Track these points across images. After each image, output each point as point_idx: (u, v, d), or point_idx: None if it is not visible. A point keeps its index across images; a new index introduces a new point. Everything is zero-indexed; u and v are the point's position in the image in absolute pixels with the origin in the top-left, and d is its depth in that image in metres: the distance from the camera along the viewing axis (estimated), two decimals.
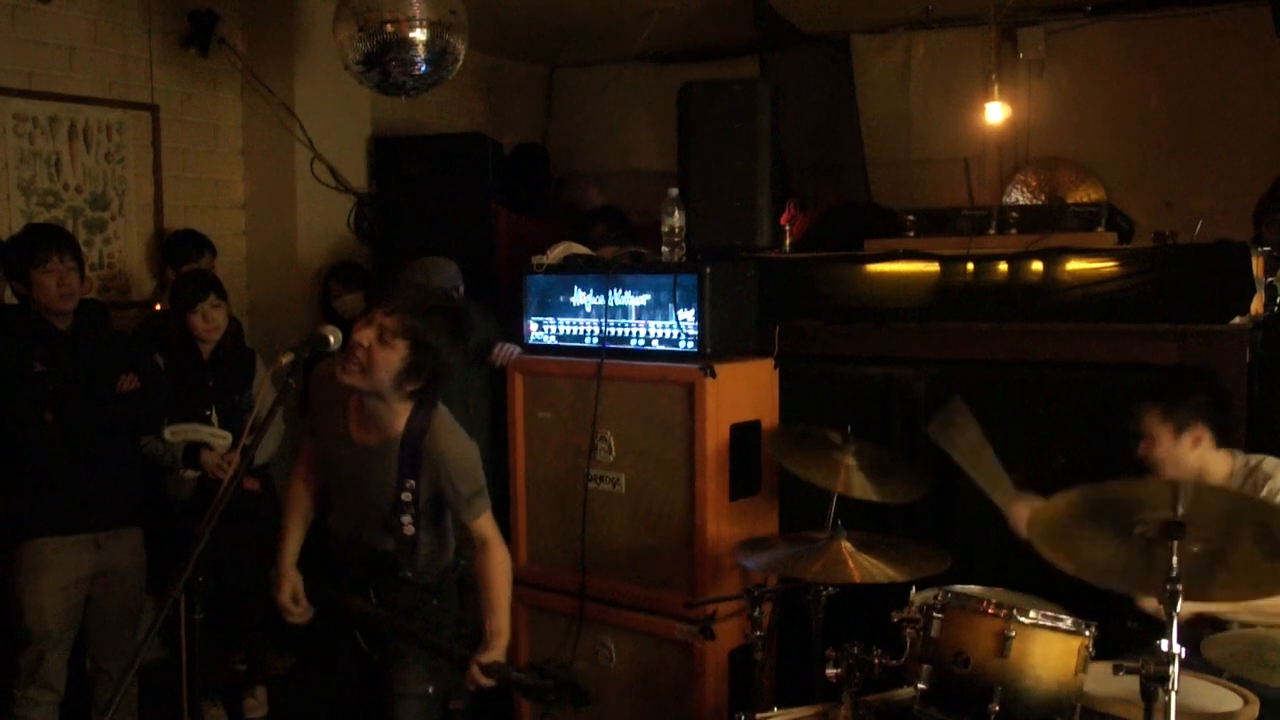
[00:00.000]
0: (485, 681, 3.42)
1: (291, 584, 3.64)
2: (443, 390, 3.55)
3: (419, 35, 5.04)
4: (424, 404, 3.53)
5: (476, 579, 3.62)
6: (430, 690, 3.67)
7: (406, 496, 3.51)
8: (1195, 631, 3.45)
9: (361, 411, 3.51)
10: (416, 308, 3.39)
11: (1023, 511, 3.84)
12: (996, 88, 6.13)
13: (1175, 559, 2.88)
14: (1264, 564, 2.87)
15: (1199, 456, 3.71)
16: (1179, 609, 2.88)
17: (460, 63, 5.30)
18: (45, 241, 4.44)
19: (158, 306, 5.91)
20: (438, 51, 5.12)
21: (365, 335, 3.34)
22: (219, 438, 4.96)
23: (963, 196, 6.58)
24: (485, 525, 3.61)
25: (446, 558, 3.73)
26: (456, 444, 3.55)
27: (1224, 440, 3.76)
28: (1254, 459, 3.77)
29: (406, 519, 3.52)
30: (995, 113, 6.20)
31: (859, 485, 4.22)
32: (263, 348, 5.56)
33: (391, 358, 3.34)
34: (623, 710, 4.88)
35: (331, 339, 3.25)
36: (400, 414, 3.49)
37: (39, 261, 4.36)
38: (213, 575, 3.36)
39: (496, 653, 3.47)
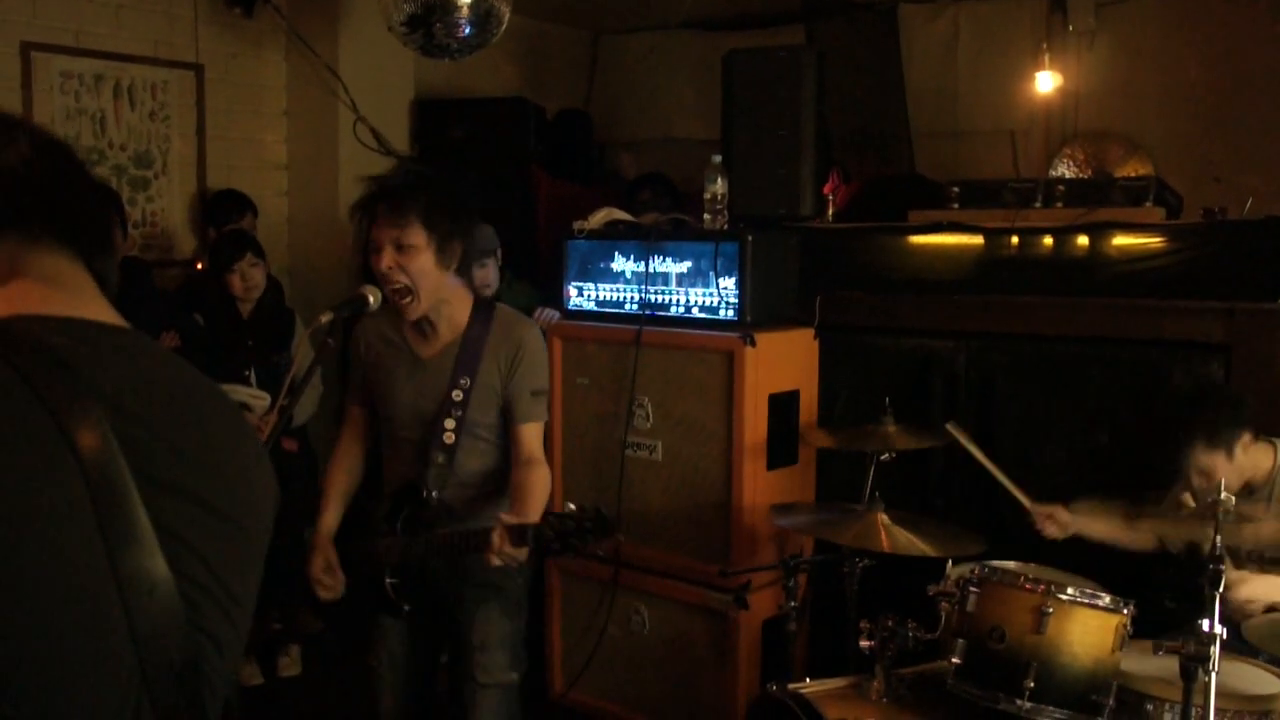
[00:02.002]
0: (510, 551, 3.03)
1: (325, 556, 3.42)
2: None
3: None
4: (482, 300, 3.48)
5: (511, 492, 3.36)
6: (515, 677, 3.50)
7: (457, 395, 3.36)
8: (1237, 612, 3.43)
9: (427, 327, 3.40)
10: (397, 200, 3.27)
11: (1059, 515, 3.84)
12: (1047, 57, 6.05)
13: (1218, 538, 2.86)
14: None
15: (1249, 458, 3.67)
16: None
17: (504, 26, 5.27)
18: None
19: (199, 266, 5.94)
20: (482, 14, 5.09)
21: (385, 260, 3.22)
22: (257, 398, 4.96)
23: (1008, 169, 6.50)
24: (536, 438, 3.42)
25: (484, 504, 3.44)
26: (533, 332, 3.46)
27: (1258, 430, 3.70)
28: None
29: (450, 423, 3.36)
30: (1046, 82, 6.13)
31: (900, 440, 4.22)
32: (302, 309, 5.57)
33: (421, 259, 3.24)
34: (655, 677, 4.89)
35: (371, 299, 3.24)
36: (462, 309, 3.41)
37: None
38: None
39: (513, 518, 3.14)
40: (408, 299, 3.27)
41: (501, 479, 3.47)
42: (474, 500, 3.44)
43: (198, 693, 1.31)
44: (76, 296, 1.40)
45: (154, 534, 1.25)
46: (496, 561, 3.07)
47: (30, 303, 1.35)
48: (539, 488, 3.32)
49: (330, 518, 3.51)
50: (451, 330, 3.41)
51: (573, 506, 3.03)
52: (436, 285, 3.31)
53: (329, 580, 3.40)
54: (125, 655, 1.22)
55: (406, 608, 3.40)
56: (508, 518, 3.06)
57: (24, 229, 1.38)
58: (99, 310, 1.41)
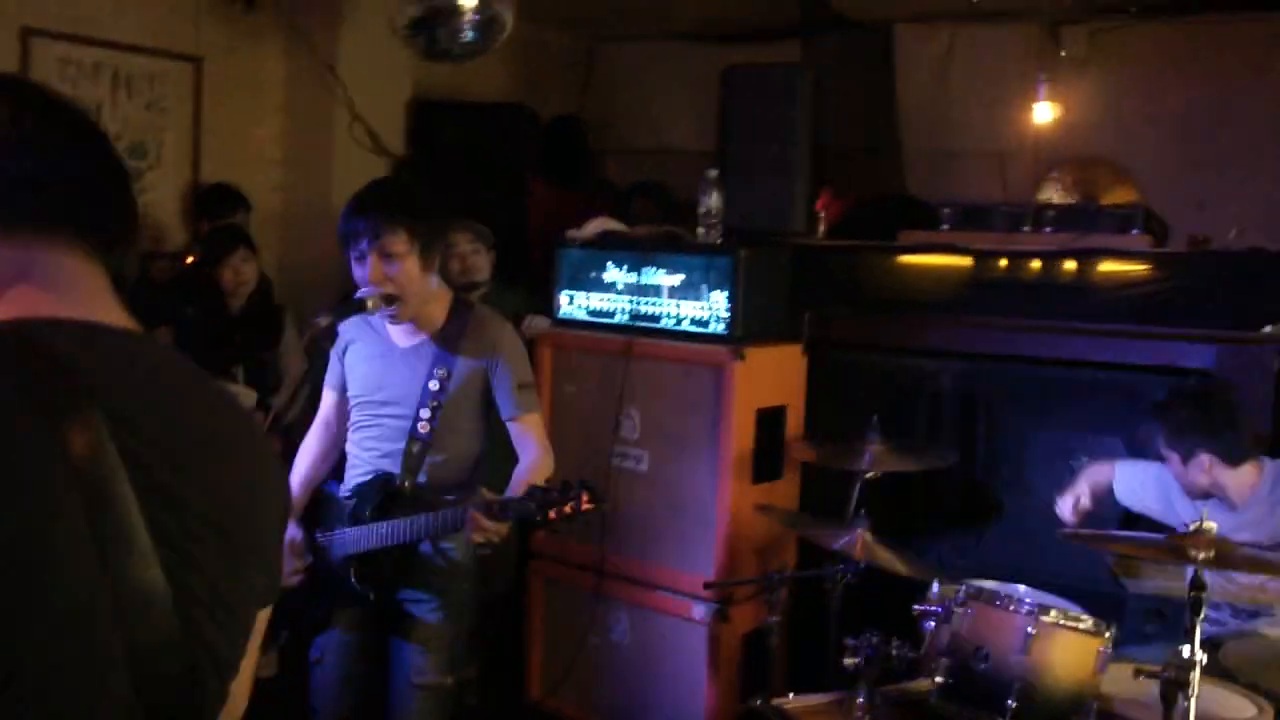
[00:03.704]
0: (490, 526, 3.06)
1: (290, 537, 3.39)
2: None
3: (468, 3, 5.04)
4: (460, 298, 3.52)
5: (512, 479, 3.35)
6: (450, 681, 3.52)
7: (434, 385, 3.40)
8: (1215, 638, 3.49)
9: (405, 320, 3.42)
10: (380, 212, 3.30)
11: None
12: (1046, 88, 6.12)
13: (1198, 568, 2.90)
14: None
15: (1211, 481, 3.71)
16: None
17: (507, 32, 5.30)
18: None
19: (190, 259, 5.93)
20: (485, 20, 5.13)
21: (372, 272, 3.26)
22: (244, 395, 4.97)
23: (996, 190, 6.56)
24: (537, 426, 3.46)
25: (455, 494, 3.44)
26: (508, 330, 3.50)
27: (1241, 455, 3.73)
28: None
29: (425, 413, 3.39)
30: (1044, 112, 6.18)
31: (886, 461, 4.24)
32: (293, 304, 5.57)
33: (406, 265, 3.28)
34: (635, 687, 4.91)
35: (370, 303, 3.26)
36: (441, 306, 3.45)
37: None
38: None
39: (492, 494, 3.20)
40: (395, 305, 3.30)
41: (473, 471, 3.53)
42: (446, 490, 3.46)
43: (195, 706, 1.30)
44: (85, 298, 1.38)
45: (152, 545, 1.23)
46: (478, 539, 3.11)
47: (36, 305, 1.33)
48: (541, 469, 3.37)
49: (295, 501, 3.51)
50: (430, 325, 3.45)
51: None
52: (422, 289, 3.35)
53: (294, 561, 3.41)
54: (120, 669, 1.20)
55: (371, 596, 3.41)
56: (487, 492, 3.15)
57: (35, 226, 1.36)
58: (107, 312, 1.39)
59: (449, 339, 3.43)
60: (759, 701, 3.56)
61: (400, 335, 3.48)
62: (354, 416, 3.58)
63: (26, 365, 1.21)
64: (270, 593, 1.48)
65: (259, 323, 5.23)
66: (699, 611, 4.64)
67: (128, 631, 1.20)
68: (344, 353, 3.58)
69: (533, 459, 3.41)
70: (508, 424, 3.48)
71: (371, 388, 3.50)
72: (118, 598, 1.19)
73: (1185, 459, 3.69)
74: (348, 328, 3.50)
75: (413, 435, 3.41)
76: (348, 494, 3.52)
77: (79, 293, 1.38)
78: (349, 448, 3.60)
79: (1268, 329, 4.18)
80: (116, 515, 1.20)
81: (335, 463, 3.68)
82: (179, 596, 1.25)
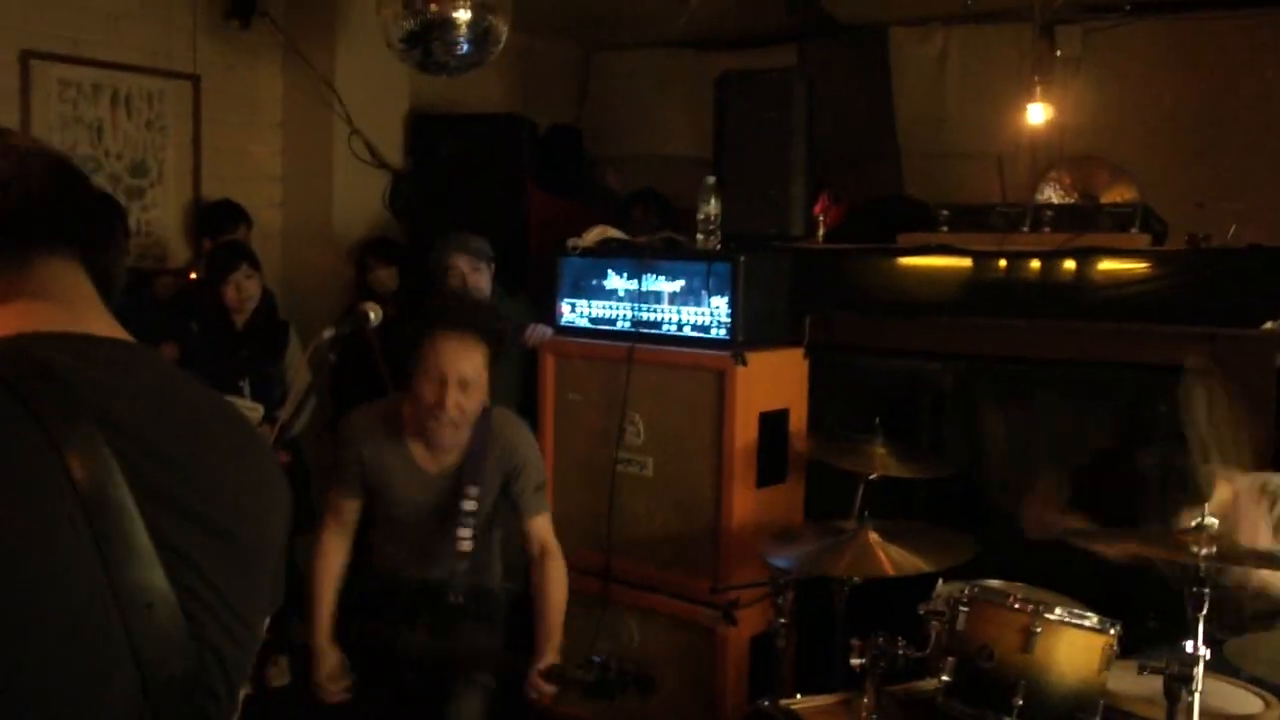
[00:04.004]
0: (547, 689, 3.34)
1: (331, 662, 3.44)
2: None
3: (462, 15, 5.05)
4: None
5: (535, 591, 3.52)
6: (492, 681, 3.60)
7: (469, 505, 3.42)
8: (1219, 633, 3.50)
9: (433, 440, 3.42)
10: (462, 320, 3.36)
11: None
12: (1039, 89, 6.14)
13: (1201, 561, 2.92)
14: None
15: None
16: None
17: (502, 45, 5.32)
18: None
19: (192, 275, 5.96)
20: (480, 32, 5.14)
21: (451, 398, 3.28)
22: (251, 409, 4.98)
23: (995, 192, 6.57)
24: (547, 527, 3.56)
25: (493, 579, 3.66)
26: (525, 432, 3.55)
27: (1206, 492, 3.70)
28: (1261, 477, 3.77)
29: (465, 533, 3.42)
30: (1037, 114, 6.20)
31: (889, 466, 4.27)
32: (296, 320, 5.60)
33: (481, 390, 3.32)
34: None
35: (372, 315, 3.27)
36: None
37: None
38: None
39: (552, 656, 3.39)
40: (454, 430, 3.33)
41: (493, 549, 3.66)
42: (483, 584, 3.59)
43: (201, 706, 1.31)
44: (78, 311, 1.40)
45: (153, 548, 1.24)
46: (533, 696, 3.35)
47: (31, 320, 1.35)
48: (559, 592, 3.51)
49: (325, 620, 3.50)
50: (455, 450, 3.46)
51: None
52: (479, 409, 3.37)
53: (336, 687, 3.45)
54: (126, 670, 1.22)
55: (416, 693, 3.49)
56: (543, 664, 3.31)
57: (23, 242, 1.38)
58: (100, 324, 1.41)
59: (475, 454, 3.44)
60: (766, 703, 3.58)
61: (429, 459, 3.48)
62: (379, 519, 3.61)
63: (22, 376, 1.23)
64: (277, 597, 1.50)
65: (264, 337, 5.26)
66: (706, 616, 4.66)
67: (132, 633, 1.22)
68: (367, 466, 3.53)
69: (553, 575, 3.54)
70: (523, 523, 3.56)
71: (401, 505, 3.52)
72: (119, 599, 1.21)
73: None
74: (370, 444, 3.50)
75: (456, 555, 3.44)
76: (390, 596, 3.56)
77: (69, 305, 1.40)
78: (375, 542, 3.64)
79: (1268, 325, 4.20)
80: (115, 519, 1.22)
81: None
82: (183, 598, 1.27)
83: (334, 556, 3.58)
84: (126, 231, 5.42)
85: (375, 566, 3.62)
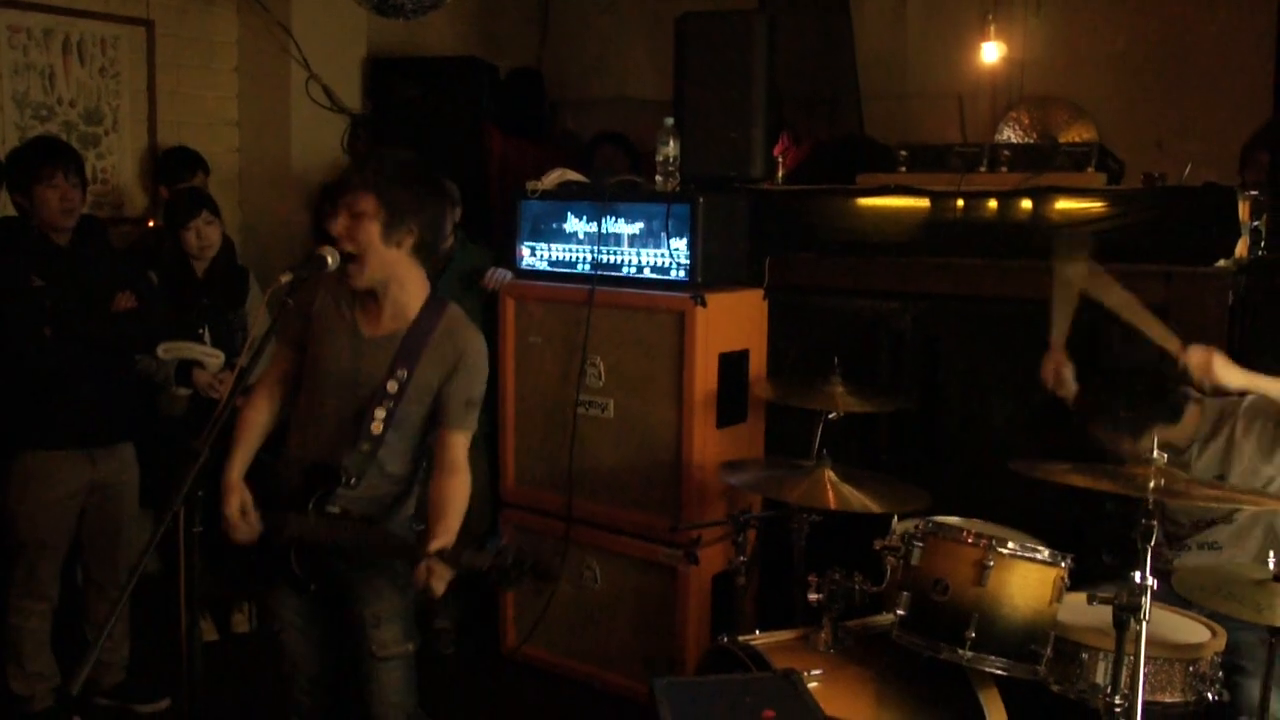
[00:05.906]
0: (440, 572, 3.10)
1: (239, 497, 3.35)
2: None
3: None
4: (436, 295, 3.46)
5: (430, 499, 3.35)
6: (411, 647, 3.52)
7: (392, 386, 3.34)
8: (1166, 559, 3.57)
9: (374, 305, 3.40)
10: (363, 170, 3.32)
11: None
12: (993, 27, 6.14)
13: (1150, 495, 2.97)
14: None
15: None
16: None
17: None
18: (51, 156, 4.41)
19: (151, 223, 5.92)
20: None
21: (337, 225, 3.26)
22: (212, 356, 4.98)
23: (955, 132, 6.59)
24: (463, 446, 3.41)
25: (401, 508, 3.50)
26: (478, 340, 3.44)
27: (1177, 412, 3.77)
28: (1219, 402, 3.82)
29: (380, 413, 3.34)
30: (991, 52, 6.21)
31: (848, 404, 4.32)
32: (255, 266, 5.57)
33: (368, 228, 3.25)
34: (607, 631, 4.98)
35: (330, 259, 3.25)
36: (414, 299, 3.39)
37: (43, 177, 4.34)
38: (210, 491, 3.31)
39: (445, 539, 3.17)
40: (352, 264, 3.28)
41: (414, 477, 3.51)
42: (386, 494, 3.45)
43: None
44: None
45: None
46: (436, 585, 3.11)
47: None
48: (459, 500, 3.32)
49: (240, 459, 3.44)
50: (397, 317, 3.40)
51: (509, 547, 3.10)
52: (384, 260, 3.31)
53: (245, 524, 3.35)
54: None
55: (312, 586, 3.40)
56: (434, 546, 3.10)
57: None
58: None
59: (416, 334, 3.37)
60: (725, 639, 3.62)
61: (365, 321, 3.42)
62: (302, 393, 3.51)
63: None
64: None
65: (224, 285, 5.22)
66: (668, 555, 4.70)
67: None
68: (314, 316, 3.47)
69: (454, 484, 3.34)
70: (440, 431, 3.41)
71: (328, 371, 3.43)
72: None
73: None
74: (325, 297, 3.45)
75: (364, 435, 3.36)
76: (283, 472, 3.47)
77: None
78: (291, 430, 3.53)
79: (1222, 262, 4.25)
80: None
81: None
82: None
83: (262, 405, 3.54)
84: (83, 183, 5.36)
85: (289, 448, 3.51)
